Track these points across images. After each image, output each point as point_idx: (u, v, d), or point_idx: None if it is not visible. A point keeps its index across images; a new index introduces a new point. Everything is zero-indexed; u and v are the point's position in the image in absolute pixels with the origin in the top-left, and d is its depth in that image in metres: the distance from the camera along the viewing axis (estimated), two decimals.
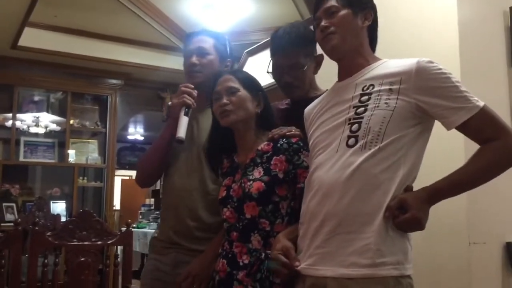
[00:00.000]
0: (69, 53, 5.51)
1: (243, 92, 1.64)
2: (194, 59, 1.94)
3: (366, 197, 1.32)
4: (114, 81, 6.28)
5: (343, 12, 1.49)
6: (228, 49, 2.03)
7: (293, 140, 1.58)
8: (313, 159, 1.48)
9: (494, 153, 1.34)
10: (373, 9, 1.57)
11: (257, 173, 1.56)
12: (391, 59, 1.50)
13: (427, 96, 1.36)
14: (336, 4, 1.50)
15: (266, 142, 1.61)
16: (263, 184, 1.53)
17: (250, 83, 1.69)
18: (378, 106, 1.38)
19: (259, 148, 1.61)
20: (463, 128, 1.35)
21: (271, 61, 1.91)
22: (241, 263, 1.53)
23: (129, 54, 5.83)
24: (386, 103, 1.37)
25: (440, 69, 1.38)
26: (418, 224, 1.31)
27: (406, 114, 1.36)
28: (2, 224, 5.06)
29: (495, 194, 2.27)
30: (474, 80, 2.29)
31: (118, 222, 9.03)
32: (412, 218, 1.29)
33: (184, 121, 1.82)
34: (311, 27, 1.84)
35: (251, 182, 1.55)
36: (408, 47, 2.30)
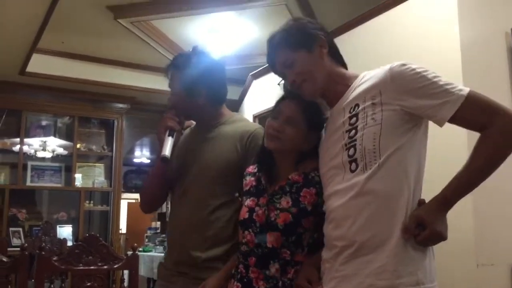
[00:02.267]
0: (76, 78, 5.57)
1: (300, 129, 1.55)
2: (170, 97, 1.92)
3: (378, 217, 1.30)
4: (120, 105, 6.33)
5: (299, 57, 1.48)
6: None
7: None
8: (325, 188, 1.48)
9: (492, 144, 1.28)
10: (322, 30, 1.52)
11: (285, 202, 1.52)
12: (368, 72, 1.48)
13: (408, 99, 1.33)
14: (289, 53, 1.49)
15: (297, 172, 1.57)
16: (290, 216, 1.50)
17: (312, 123, 1.58)
18: (366, 124, 1.36)
19: (290, 177, 1.57)
20: (454, 121, 1.32)
21: None
22: None
23: (135, 78, 5.90)
24: (373, 118, 1.35)
25: (413, 69, 1.35)
26: (439, 236, 1.28)
27: (395, 122, 1.34)
28: (9, 249, 5.05)
29: (502, 217, 2.26)
30: None
31: (124, 245, 9.00)
32: (432, 234, 1.27)
33: (168, 141, 1.80)
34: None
35: (278, 211, 1.52)
36: None
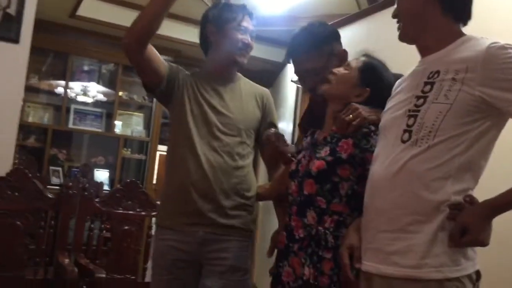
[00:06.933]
0: (125, 26, 5.55)
1: (351, 77, 1.62)
2: (250, 40, 2.02)
3: (411, 196, 1.27)
4: (164, 57, 6.32)
5: None
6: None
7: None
8: (377, 145, 1.45)
9: None
10: None
11: (324, 152, 1.56)
12: (471, 39, 1.33)
13: (493, 88, 1.22)
14: None
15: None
16: (324, 163, 1.53)
17: (365, 79, 1.62)
18: (436, 99, 1.27)
19: (333, 129, 1.61)
20: None
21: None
22: (297, 237, 1.57)
23: (181, 31, 5.86)
24: (445, 95, 1.26)
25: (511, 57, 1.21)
26: (480, 245, 1.24)
27: (467, 107, 1.24)
28: (48, 186, 5.24)
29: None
30: None
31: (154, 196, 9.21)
32: (473, 243, 1.23)
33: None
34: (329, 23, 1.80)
35: (315, 160, 1.56)
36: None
